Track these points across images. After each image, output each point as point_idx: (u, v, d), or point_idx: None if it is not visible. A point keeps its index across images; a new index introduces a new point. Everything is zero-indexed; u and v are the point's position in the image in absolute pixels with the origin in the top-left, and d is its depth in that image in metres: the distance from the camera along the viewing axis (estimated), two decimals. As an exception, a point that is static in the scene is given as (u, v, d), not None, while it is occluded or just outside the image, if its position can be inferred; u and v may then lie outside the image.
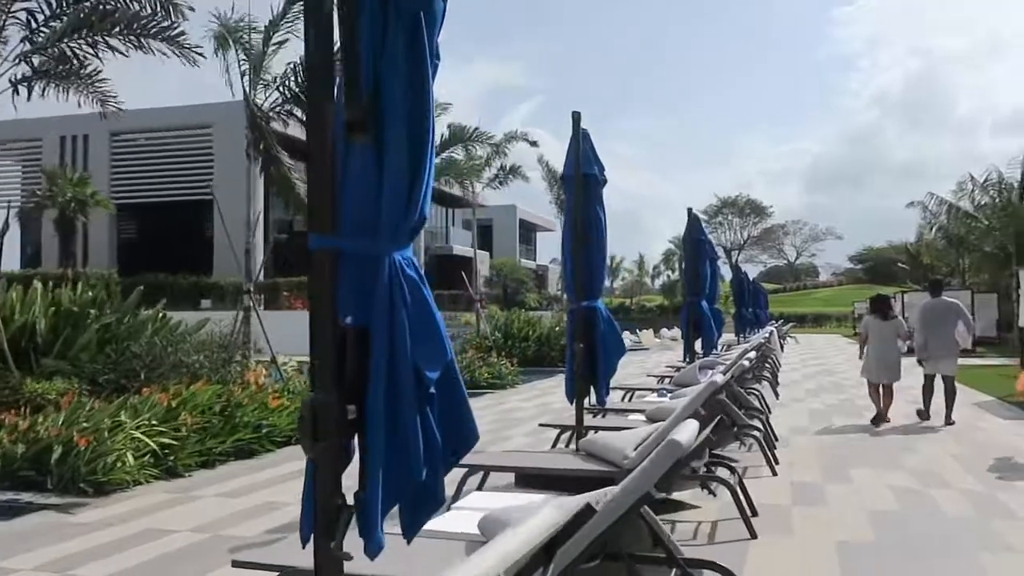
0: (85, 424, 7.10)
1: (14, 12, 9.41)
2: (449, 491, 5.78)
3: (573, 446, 7.14)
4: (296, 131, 13.85)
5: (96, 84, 10.34)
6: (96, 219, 35.26)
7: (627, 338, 33.78)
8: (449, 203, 47.01)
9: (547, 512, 2.53)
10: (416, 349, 2.71)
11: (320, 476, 2.65)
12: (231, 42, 12.76)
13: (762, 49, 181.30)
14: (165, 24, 10.25)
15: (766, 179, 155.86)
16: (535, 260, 64.32)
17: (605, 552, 3.24)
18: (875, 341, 11.32)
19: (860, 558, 5.18)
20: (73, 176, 32.42)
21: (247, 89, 12.79)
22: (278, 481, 7.36)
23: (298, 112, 12.81)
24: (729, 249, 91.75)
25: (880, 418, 11.16)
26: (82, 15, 9.72)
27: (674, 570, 3.76)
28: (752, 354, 11.10)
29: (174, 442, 7.52)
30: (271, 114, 13.16)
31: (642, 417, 7.83)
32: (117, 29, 9.84)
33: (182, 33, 10.48)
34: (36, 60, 9.74)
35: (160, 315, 11.13)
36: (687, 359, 13.14)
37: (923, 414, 11.26)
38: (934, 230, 39.04)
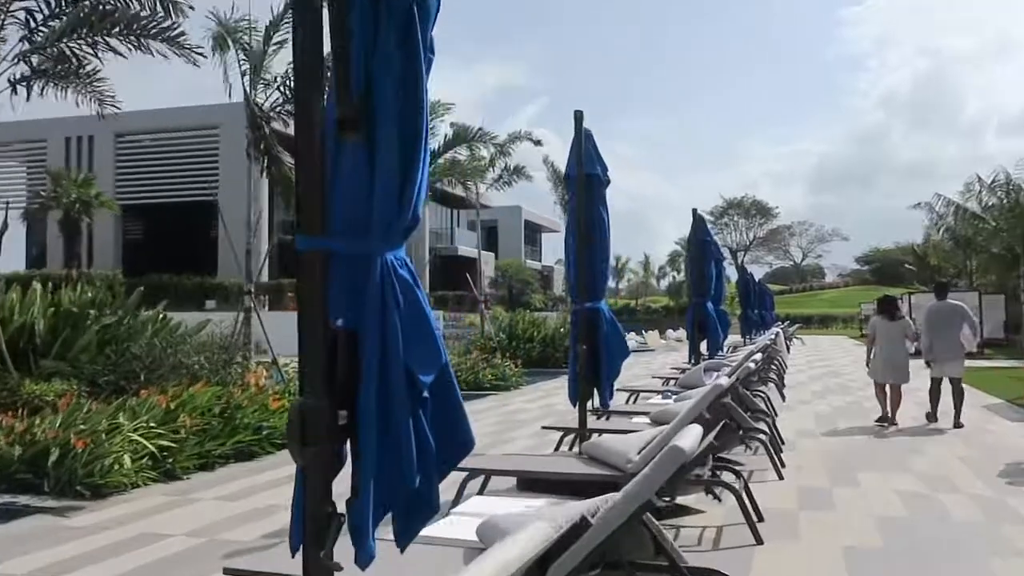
0: (82, 426, 7.04)
1: (13, 11, 9.37)
2: (449, 495, 5.74)
3: (576, 449, 7.05)
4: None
5: (94, 84, 10.29)
6: (101, 220, 35.28)
7: (632, 339, 33.83)
8: (453, 204, 46.93)
9: (538, 526, 2.44)
10: (409, 352, 2.63)
11: (310, 483, 2.57)
12: (230, 42, 12.71)
13: (769, 49, 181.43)
14: (165, 25, 10.20)
15: (772, 180, 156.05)
16: (540, 261, 64.24)
17: (605, 561, 3.14)
18: (883, 342, 11.26)
19: (868, 564, 5.09)
20: (77, 177, 32.43)
21: (247, 89, 12.75)
22: (278, 484, 7.28)
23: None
24: (735, 250, 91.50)
25: (885, 419, 11.10)
26: (82, 15, 9.67)
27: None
28: (758, 356, 10.99)
29: (173, 444, 7.44)
30: (272, 114, 13.12)
31: (646, 420, 7.73)
32: (117, 29, 9.78)
33: (182, 34, 10.44)
34: (35, 60, 9.69)
35: (160, 316, 11.07)
36: (692, 360, 13.05)
37: (931, 417, 11.18)
38: (941, 231, 38.85)
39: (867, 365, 11.77)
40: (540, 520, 2.51)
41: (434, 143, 20.39)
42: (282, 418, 8.95)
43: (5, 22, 9.34)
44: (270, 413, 8.91)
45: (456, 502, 5.48)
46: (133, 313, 10.66)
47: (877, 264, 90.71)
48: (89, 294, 10.49)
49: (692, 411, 5.65)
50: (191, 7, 10.17)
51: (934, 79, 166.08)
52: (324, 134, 2.65)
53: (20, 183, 40.45)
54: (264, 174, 14.33)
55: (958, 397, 11.00)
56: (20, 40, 9.54)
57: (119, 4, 9.86)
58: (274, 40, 13.01)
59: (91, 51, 9.84)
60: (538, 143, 25.66)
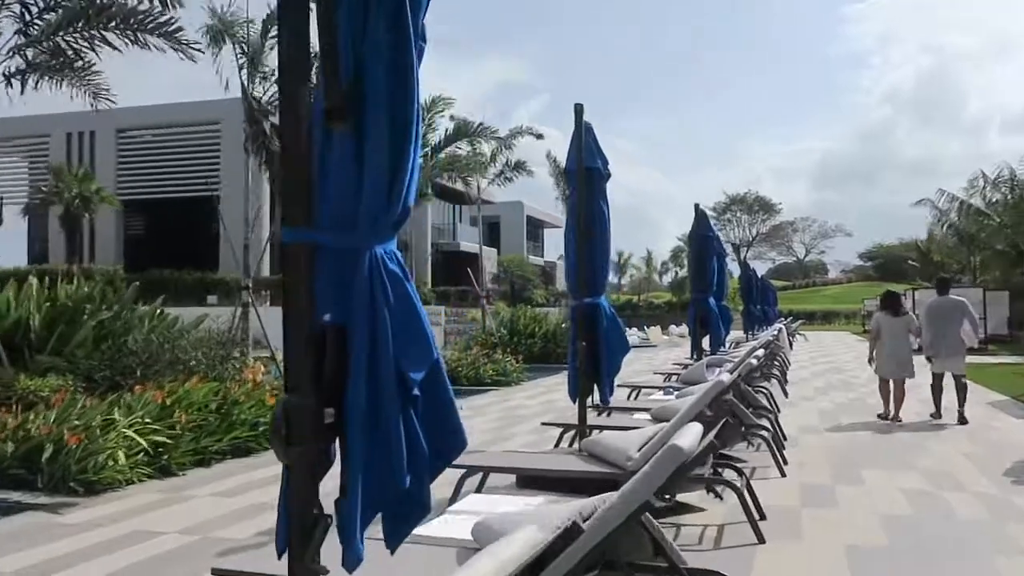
0: (76, 422, 6.97)
1: (8, 4, 9.27)
2: (446, 492, 5.67)
3: (576, 445, 6.97)
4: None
5: (89, 78, 10.20)
6: (103, 215, 35.28)
7: (635, 335, 33.76)
8: (456, 199, 46.83)
9: (528, 532, 2.35)
10: (399, 348, 2.56)
11: (295, 483, 2.50)
12: (225, 37, 12.60)
13: (771, 47, 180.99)
14: (163, 20, 10.10)
15: (775, 176, 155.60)
16: (543, 257, 64.09)
17: (603, 562, 3.06)
18: (886, 338, 11.22)
19: (871, 563, 5.00)
20: (78, 172, 32.37)
21: (245, 83, 12.65)
22: (274, 480, 7.16)
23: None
24: (738, 246, 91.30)
25: (888, 416, 11.05)
26: (79, 8, 9.57)
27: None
28: (760, 352, 10.93)
29: (168, 440, 7.37)
30: (270, 108, 13.01)
31: (647, 416, 7.65)
32: (113, 23, 9.69)
33: (179, 29, 10.34)
34: (30, 53, 9.60)
35: (157, 311, 10.99)
36: (694, 356, 12.97)
37: (935, 414, 11.11)
38: (945, 227, 38.71)
39: (869, 362, 11.71)
40: (531, 525, 2.43)
41: (434, 138, 20.28)
42: (280, 414, 8.85)
43: (0, 15, 9.26)
44: (267, 409, 8.82)
45: (453, 500, 5.41)
46: (130, 308, 10.57)
47: (880, 260, 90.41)
48: (85, 288, 10.40)
49: (693, 408, 5.57)
50: (184, -3, 10.06)
51: (937, 76, 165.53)
52: (311, 124, 2.57)
53: (22, 179, 40.44)
54: (263, 169, 14.23)
55: (961, 392, 10.94)
56: (15, 34, 9.46)
57: (116, -2, 9.77)
58: (271, 33, 12.89)
59: (87, 45, 9.75)
60: (539, 137, 25.58)
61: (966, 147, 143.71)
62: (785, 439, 8.72)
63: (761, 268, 53.96)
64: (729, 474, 5.80)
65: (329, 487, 2.47)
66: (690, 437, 3.11)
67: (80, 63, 9.89)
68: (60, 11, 9.54)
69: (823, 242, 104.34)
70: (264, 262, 25.41)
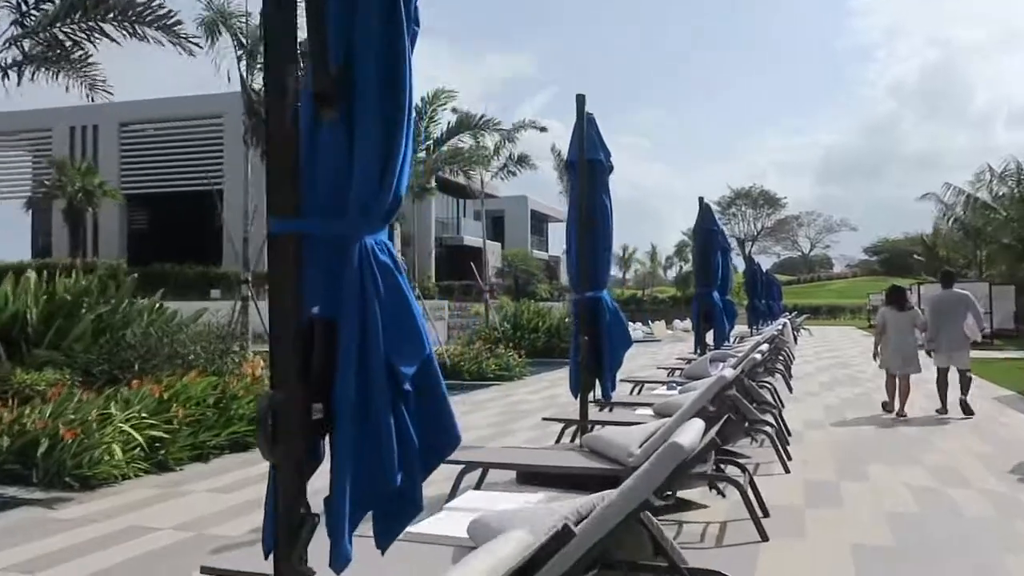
0: (72, 416, 6.90)
1: (4, -7, 9.20)
2: (444, 488, 5.60)
3: (577, 441, 6.89)
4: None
5: (85, 69, 10.11)
6: (106, 209, 35.26)
7: (639, 330, 33.67)
8: (460, 194, 46.72)
9: (515, 537, 2.26)
10: (389, 342, 2.47)
11: (281, 482, 2.42)
12: (223, 28, 12.48)
13: (778, 41, 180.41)
14: (161, 12, 10.01)
15: (779, 170, 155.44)
16: (547, 251, 63.94)
17: (602, 562, 2.98)
18: (892, 332, 11.15)
19: (877, 562, 4.91)
20: (80, 166, 32.33)
21: (243, 74, 12.56)
22: (272, 476, 7.13)
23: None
24: (742, 240, 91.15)
25: (891, 408, 11.02)
26: (76, -1, 9.49)
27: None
28: (765, 346, 10.84)
29: (165, 435, 7.30)
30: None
31: (650, 411, 7.57)
32: (112, 15, 9.60)
33: (178, 22, 10.26)
34: (26, 45, 9.51)
35: (156, 305, 10.91)
36: (698, 351, 12.89)
37: (940, 410, 11.03)
38: (950, 221, 38.54)
39: (875, 357, 11.63)
40: (520, 529, 2.34)
41: (436, 131, 20.14)
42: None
43: (-4, 6, 9.18)
44: (267, 404, 8.73)
45: (452, 496, 5.33)
46: (129, 301, 10.49)
47: (885, 254, 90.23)
48: (83, 282, 10.32)
49: (695, 404, 5.49)
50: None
51: (943, 69, 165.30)
52: (299, 108, 2.49)
53: (26, 172, 40.42)
54: (263, 161, 14.10)
55: (965, 383, 10.97)
56: (11, 24, 9.38)
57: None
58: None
59: (84, 36, 9.66)
60: (543, 130, 25.41)
61: (972, 140, 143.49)
62: (789, 435, 8.62)
63: (766, 262, 53.85)
64: (732, 470, 5.70)
65: (319, 485, 2.39)
66: (691, 434, 3.02)
67: (77, 54, 9.80)
68: (57, 2, 9.46)
69: (828, 236, 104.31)
70: (264, 255, 25.31)
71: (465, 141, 21.60)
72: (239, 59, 12.66)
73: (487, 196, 31.26)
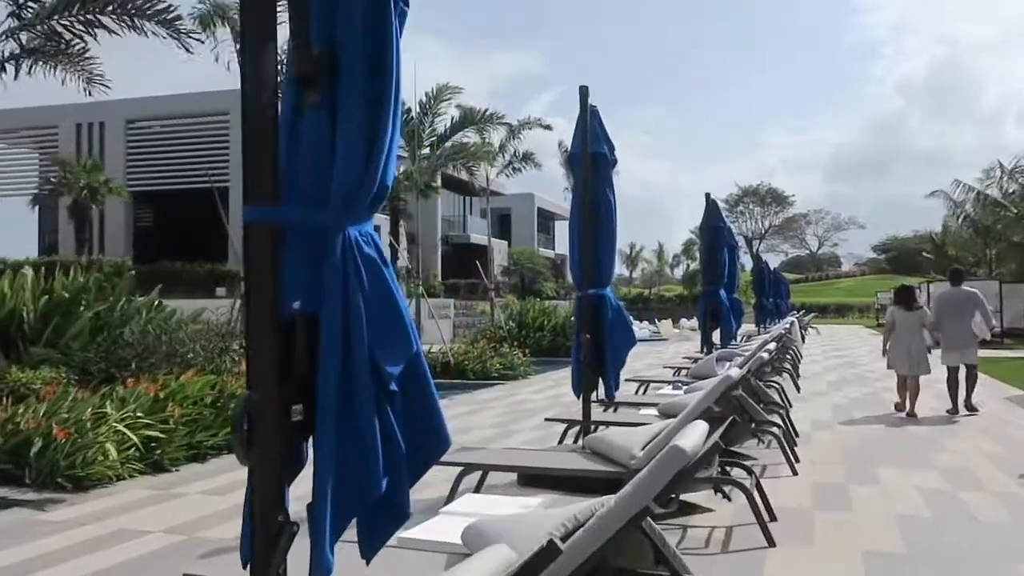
0: (66, 415, 6.77)
1: (1, -14, 9.08)
2: (443, 491, 5.45)
3: (580, 442, 6.73)
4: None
5: (83, 63, 9.99)
6: (112, 207, 35.17)
7: (646, 328, 33.48)
8: (466, 191, 46.56)
9: (496, 556, 2.12)
10: (374, 339, 2.33)
11: (258, 488, 2.28)
12: (220, 21, 12.34)
13: (785, 37, 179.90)
14: (160, 7, 9.89)
15: (787, 168, 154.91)
16: (553, 249, 63.74)
17: (601, 572, 2.83)
18: (900, 332, 10.99)
19: (889, 569, 4.74)
20: (86, 163, 32.26)
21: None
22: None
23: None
24: (750, 238, 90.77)
25: (902, 408, 10.90)
26: (76, -9, 9.36)
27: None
28: (772, 345, 10.68)
29: (161, 435, 7.16)
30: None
31: (655, 412, 7.42)
32: (110, 8, 9.47)
33: (178, 17, 10.14)
34: (24, 38, 9.39)
35: (155, 303, 10.78)
36: (705, 350, 12.74)
37: (951, 410, 10.87)
38: (960, 219, 38.24)
39: (884, 355, 11.48)
40: (502, 546, 2.19)
41: (440, 126, 19.99)
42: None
43: (-7, -2, 9.06)
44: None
45: (450, 499, 5.18)
46: (127, 299, 10.36)
47: (894, 253, 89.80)
48: (81, 279, 10.20)
49: (700, 404, 5.34)
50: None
51: (950, 67, 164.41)
52: (277, 91, 2.35)
53: (32, 170, 40.39)
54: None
55: (971, 380, 10.89)
56: (8, 16, 9.26)
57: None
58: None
59: (83, 29, 9.54)
60: (548, 128, 25.26)
61: (981, 138, 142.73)
62: (797, 436, 8.46)
63: (774, 261, 53.66)
64: (738, 473, 5.54)
65: (303, 491, 2.25)
66: (694, 437, 2.86)
67: (75, 47, 9.68)
68: (57, -6, 9.35)
69: (836, 234, 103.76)
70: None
71: (470, 137, 21.44)
72: (238, 53, 12.52)
73: (493, 194, 31.14)
